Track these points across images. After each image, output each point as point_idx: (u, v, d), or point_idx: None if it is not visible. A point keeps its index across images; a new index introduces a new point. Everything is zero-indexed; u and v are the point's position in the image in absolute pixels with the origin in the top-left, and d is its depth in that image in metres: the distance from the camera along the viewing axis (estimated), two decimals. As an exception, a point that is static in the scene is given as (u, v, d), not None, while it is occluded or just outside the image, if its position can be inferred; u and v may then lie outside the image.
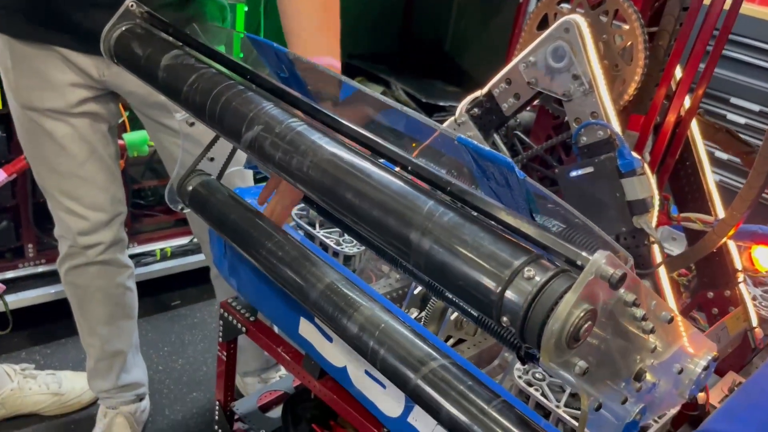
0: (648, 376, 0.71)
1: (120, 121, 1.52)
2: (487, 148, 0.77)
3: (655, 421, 1.01)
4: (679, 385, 0.81)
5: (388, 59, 3.37)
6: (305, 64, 1.01)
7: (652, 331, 0.67)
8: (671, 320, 0.71)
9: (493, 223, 0.68)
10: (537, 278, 0.61)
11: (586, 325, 0.58)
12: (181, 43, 1.02)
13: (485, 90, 1.14)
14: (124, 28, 1.09)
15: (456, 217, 0.69)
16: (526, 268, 0.62)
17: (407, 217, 0.71)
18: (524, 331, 0.61)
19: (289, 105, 0.89)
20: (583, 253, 0.59)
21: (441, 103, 2.89)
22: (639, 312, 0.63)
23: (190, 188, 1.13)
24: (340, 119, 0.83)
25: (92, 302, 1.61)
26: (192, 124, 1.21)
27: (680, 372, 0.80)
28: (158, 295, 2.33)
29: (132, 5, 1.09)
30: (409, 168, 0.74)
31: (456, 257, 0.66)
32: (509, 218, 0.65)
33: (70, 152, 1.40)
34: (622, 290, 0.61)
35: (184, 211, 1.19)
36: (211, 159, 1.15)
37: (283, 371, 1.93)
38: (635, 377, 0.69)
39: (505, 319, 0.63)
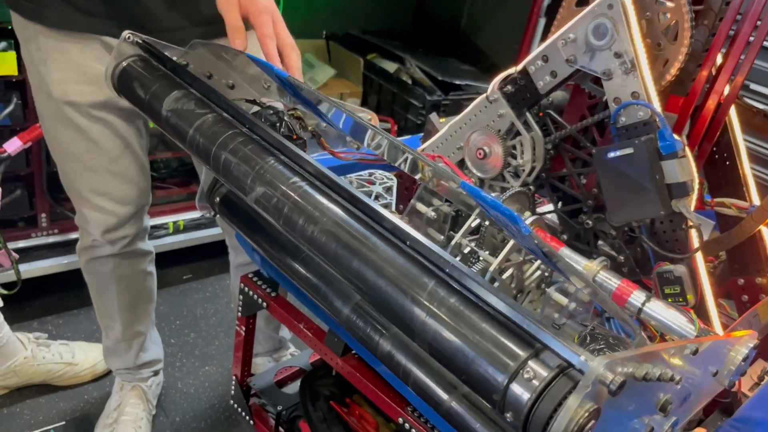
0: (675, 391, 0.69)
1: None
2: (491, 197, 0.77)
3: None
4: (714, 381, 0.80)
5: (402, 36, 3.33)
6: (308, 91, 1.03)
7: (671, 379, 0.65)
8: (696, 352, 0.70)
9: (491, 311, 0.69)
10: (535, 382, 0.63)
11: (590, 424, 0.57)
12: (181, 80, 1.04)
13: (520, 67, 1.11)
14: (125, 64, 1.11)
15: (454, 304, 0.71)
16: (526, 369, 0.64)
17: (409, 301, 0.73)
18: (528, 429, 0.63)
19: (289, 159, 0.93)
20: (582, 357, 0.60)
21: (457, 82, 2.85)
22: (656, 373, 0.62)
23: (218, 199, 1.13)
24: (339, 182, 0.85)
25: (113, 290, 1.59)
26: None
27: (715, 374, 0.79)
28: (170, 268, 2.32)
29: (128, 36, 1.09)
30: (408, 242, 0.76)
31: (455, 354, 0.69)
32: (508, 310, 0.66)
33: (104, 148, 1.34)
34: (632, 367, 0.60)
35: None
36: None
37: (293, 350, 1.93)
38: (660, 409, 0.68)
39: (508, 415, 0.64)
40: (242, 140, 0.96)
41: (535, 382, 0.63)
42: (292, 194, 0.87)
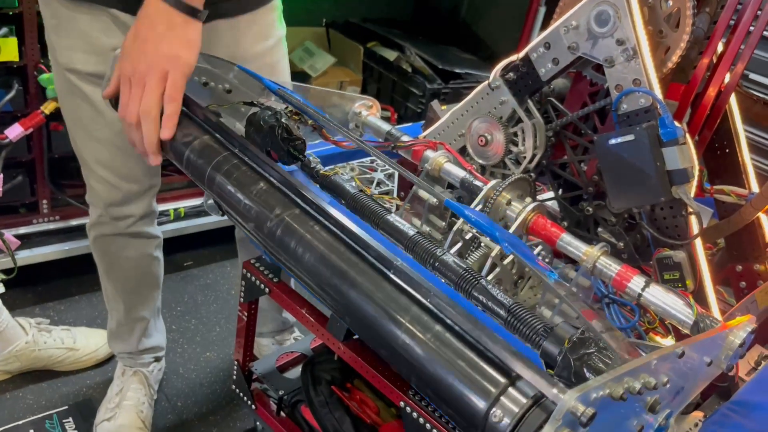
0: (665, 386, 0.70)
1: None
2: (474, 217, 0.79)
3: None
4: (711, 368, 0.81)
5: (402, 24, 3.32)
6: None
7: (655, 387, 0.66)
8: (682, 355, 0.71)
9: (470, 340, 0.72)
10: (509, 416, 0.65)
11: None
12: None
13: (522, 54, 1.12)
14: None
15: (434, 334, 0.74)
16: (501, 400, 0.66)
17: (392, 326, 0.77)
18: None
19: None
20: (554, 390, 0.63)
21: (457, 70, 2.85)
22: (637, 387, 0.63)
23: None
24: (337, 217, 0.89)
25: (118, 270, 1.60)
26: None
27: (710, 364, 0.80)
28: (171, 255, 2.33)
29: (118, 52, 1.10)
30: (392, 271, 0.80)
31: (436, 381, 0.72)
32: (488, 342, 0.70)
33: (108, 119, 1.34)
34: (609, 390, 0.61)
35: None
36: None
37: (297, 333, 1.94)
38: (649, 410, 0.68)
39: None
40: (233, 164, 1.01)
41: (514, 409, 0.66)
42: (285, 220, 0.92)
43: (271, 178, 1.00)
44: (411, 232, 0.96)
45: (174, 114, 1.01)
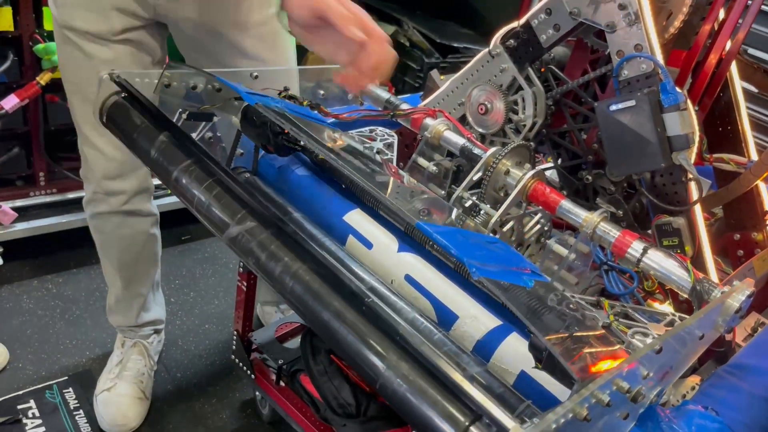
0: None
1: (164, 56, 1.42)
2: (441, 238, 0.84)
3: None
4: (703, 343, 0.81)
5: (400, -2, 3.29)
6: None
7: (628, 392, 0.67)
8: (659, 351, 0.71)
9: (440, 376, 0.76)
10: None
11: None
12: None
13: (523, 20, 1.11)
14: (111, 102, 1.15)
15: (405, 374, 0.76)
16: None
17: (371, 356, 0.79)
18: None
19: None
20: (511, 427, 0.67)
21: (455, 45, 2.83)
22: (606, 399, 0.64)
23: None
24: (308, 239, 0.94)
25: (115, 248, 1.59)
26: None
27: (702, 338, 0.80)
28: (169, 228, 2.31)
29: (105, 76, 1.12)
30: (364, 308, 0.83)
31: (409, 411, 0.75)
32: (456, 378, 0.74)
33: None
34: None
35: None
36: None
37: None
38: (632, 400, 0.68)
39: None
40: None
41: None
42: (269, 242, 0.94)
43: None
44: (412, 218, 0.95)
45: None
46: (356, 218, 1.06)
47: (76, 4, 1.26)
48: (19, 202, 2.00)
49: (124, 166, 1.44)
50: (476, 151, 1.08)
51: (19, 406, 1.62)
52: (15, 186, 2.02)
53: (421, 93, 1.42)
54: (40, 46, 1.77)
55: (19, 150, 1.94)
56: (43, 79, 1.78)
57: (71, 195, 2.07)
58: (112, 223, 1.54)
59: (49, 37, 1.80)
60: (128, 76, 1.15)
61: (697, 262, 1.00)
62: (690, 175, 0.97)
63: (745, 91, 1.19)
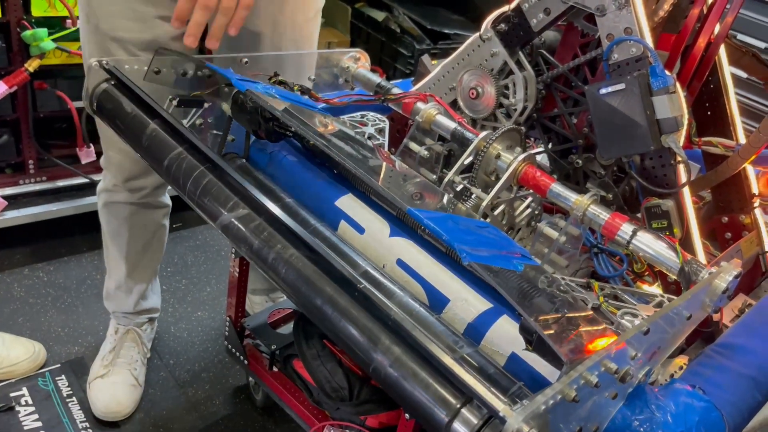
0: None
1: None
2: (432, 224, 0.85)
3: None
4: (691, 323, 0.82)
5: (390, -16, 3.27)
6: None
7: (616, 373, 0.68)
8: (647, 332, 0.72)
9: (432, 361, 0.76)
10: (473, 421, 0.71)
11: None
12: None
13: (513, 4, 1.11)
14: (101, 90, 1.15)
15: (397, 358, 0.78)
16: (460, 414, 0.72)
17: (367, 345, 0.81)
18: None
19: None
20: (500, 413, 0.65)
21: (446, 31, 2.82)
22: (594, 380, 0.65)
23: None
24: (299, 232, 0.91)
25: (124, 237, 1.60)
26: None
27: (689, 318, 0.81)
28: (160, 216, 2.32)
29: (95, 64, 1.12)
30: (356, 294, 0.83)
31: (402, 395, 0.77)
32: (446, 361, 0.74)
33: None
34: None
35: None
36: None
37: (288, 292, 1.95)
38: (620, 380, 0.70)
39: None
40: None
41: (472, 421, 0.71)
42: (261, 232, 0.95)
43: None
44: (403, 204, 0.95)
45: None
46: (348, 203, 1.06)
47: (119, 14, 1.24)
48: (8, 190, 1.99)
49: (147, 168, 1.44)
50: (467, 135, 1.09)
51: (12, 394, 1.62)
52: (4, 174, 2.01)
53: (413, 78, 1.42)
54: (28, 32, 1.75)
55: (8, 137, 1.93)
56: (32, 65, 1.76)
57: (61, 183, 2.06)
58: (127, 212, 1.55)
59: (37, 23, 1.78)
60: (117, 63, 1.14)
61: (686, 244, 1.01)
62: (679, 158, 0.98)
63: (734, 77, 1.20)
